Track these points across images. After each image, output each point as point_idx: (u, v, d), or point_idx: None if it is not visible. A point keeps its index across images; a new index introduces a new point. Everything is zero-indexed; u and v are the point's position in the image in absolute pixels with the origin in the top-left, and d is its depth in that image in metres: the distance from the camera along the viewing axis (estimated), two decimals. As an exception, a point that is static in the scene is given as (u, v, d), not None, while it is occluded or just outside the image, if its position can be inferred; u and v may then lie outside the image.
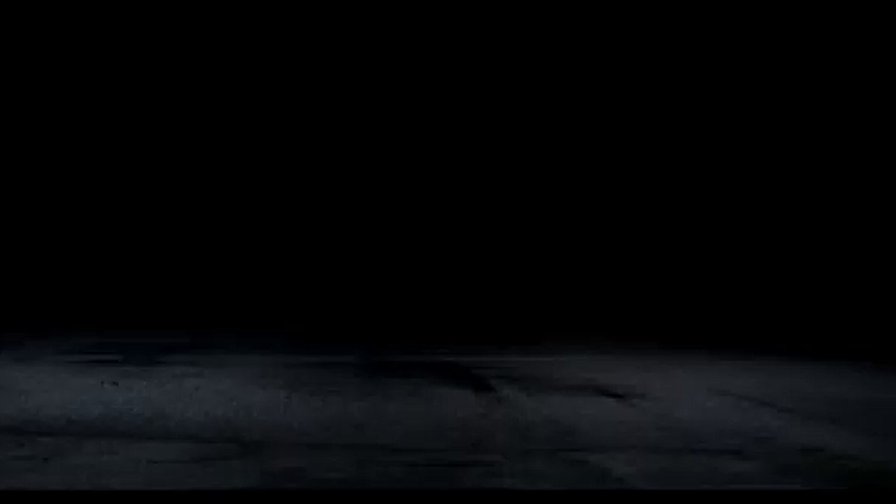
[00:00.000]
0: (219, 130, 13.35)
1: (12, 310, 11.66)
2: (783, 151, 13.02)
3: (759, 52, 12.92)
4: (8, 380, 5.68)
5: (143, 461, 3.42)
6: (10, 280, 12.47)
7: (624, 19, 13.06)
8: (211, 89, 13.25)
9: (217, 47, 13.09)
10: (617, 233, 13.52)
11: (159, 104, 13.25)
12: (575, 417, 4.60)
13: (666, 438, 4.09)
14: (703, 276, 13.01)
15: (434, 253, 13.35)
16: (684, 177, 13.42)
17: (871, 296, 11.59)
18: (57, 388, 5.35)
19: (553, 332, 10.61)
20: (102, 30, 12.91)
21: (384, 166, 13.52)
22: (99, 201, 13.26)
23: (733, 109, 13.19)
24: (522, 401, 5.16)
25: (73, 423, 4.22)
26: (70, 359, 6.97)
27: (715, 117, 13.24)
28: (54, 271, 12.89)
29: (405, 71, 13.36)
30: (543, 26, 13.21)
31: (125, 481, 3.13)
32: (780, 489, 3.20)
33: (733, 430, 4.31)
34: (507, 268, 13.42)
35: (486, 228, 13.54)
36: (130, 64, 13.10)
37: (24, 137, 13.12)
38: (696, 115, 13.29)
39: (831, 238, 12.44)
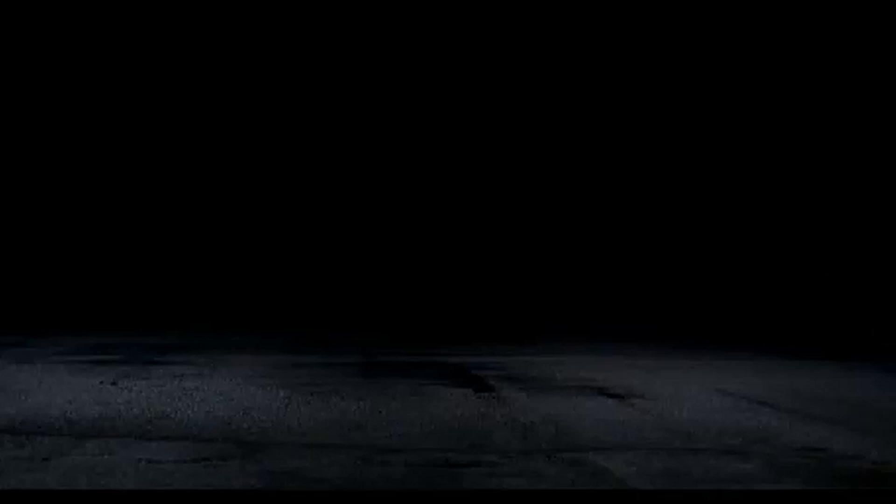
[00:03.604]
0: (218, 131, 13.35)
1: (12, 310, 11.66)
2: (785, 152, 13.02)
3: (759, 52, 12.92)
4: (8, 380, 5.69)
5: (143, 461, 3.42)
6: (10, 280, 12.48)
7: (624, 19, 13.05)
8: (210, 89, 13.24)
9: (217, 47, 13.09)
10: (617, 233, 13.52)
11: (159, 104, 13.25)
12: (575, 417, 4.59)
13: (666, 438, 4.09)
14: (705, 276, 13.01)
15: (434, 253, 13.35)
16: (686, 177, 13.42)
17: (873, 296, 11.59)
18: (57, 388, 5.35)
19: (553, 332, 10.61)
20: (102, 30, 12.91)
21: (384, 167, 13.51)
22: (99, 202, 13.26)
23: (735, 109, 13.18)
24: (522, 401, 5.16)
25: (73, 423, 4.22)
26: (70, 359, 6.97)
27: (717, 117, 13.24)
28: (54, 272, 12.89)
29: (405, 71, 13.36)
30: (543, 26, 13.21)
31: (125, 481, 3.13)
32: (780, 489, 3.20)
33: (733, 430, 4.30)
34: (507, 268, 13.42)
35: (486, 229, 13.54)
36: (130, 64, 13.10)
37: (24, 138, 13.12)
38: (698, 115, 13.28)
39: (833, 239, 12.43)
